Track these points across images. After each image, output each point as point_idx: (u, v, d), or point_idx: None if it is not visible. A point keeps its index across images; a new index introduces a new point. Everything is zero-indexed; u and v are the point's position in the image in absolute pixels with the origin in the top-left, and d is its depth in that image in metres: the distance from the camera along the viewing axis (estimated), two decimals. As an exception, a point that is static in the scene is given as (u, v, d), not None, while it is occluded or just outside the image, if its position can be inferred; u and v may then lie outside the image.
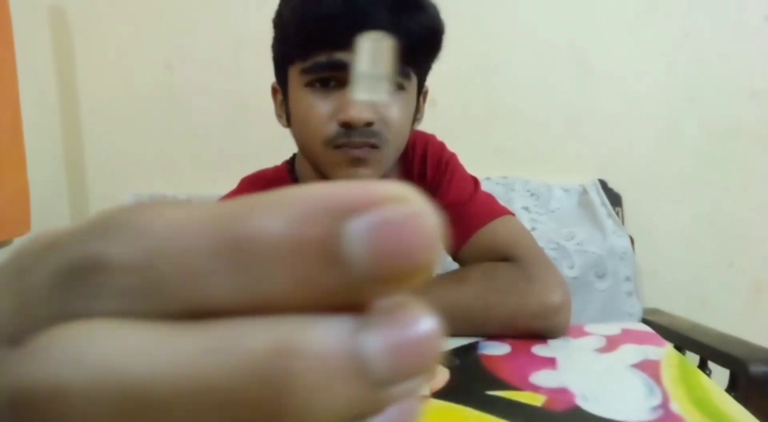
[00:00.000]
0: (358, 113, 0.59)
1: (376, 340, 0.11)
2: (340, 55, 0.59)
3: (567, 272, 1.27)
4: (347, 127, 0.60)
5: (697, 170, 1.45)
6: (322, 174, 0.66)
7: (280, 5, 0.65)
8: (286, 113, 0.69)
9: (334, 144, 0.62)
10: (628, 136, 1.44)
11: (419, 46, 0.62)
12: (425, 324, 0.11)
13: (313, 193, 0.11)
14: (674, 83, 1.43)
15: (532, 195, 1.38)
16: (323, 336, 0.10)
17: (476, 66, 1.39)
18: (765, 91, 1.42)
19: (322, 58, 0.60)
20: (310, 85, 0.62)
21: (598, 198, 1.37)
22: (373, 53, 0.34)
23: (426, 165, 0.76)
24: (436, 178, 0.75)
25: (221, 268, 0.10)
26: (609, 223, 1.33)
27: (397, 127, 0.64)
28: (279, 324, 0.11)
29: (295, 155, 0.79)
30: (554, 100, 1.42)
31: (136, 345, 0.10)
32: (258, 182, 0.76)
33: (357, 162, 0.62)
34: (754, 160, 1.44)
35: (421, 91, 0.70)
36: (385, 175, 0.69)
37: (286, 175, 0.76)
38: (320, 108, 0.62)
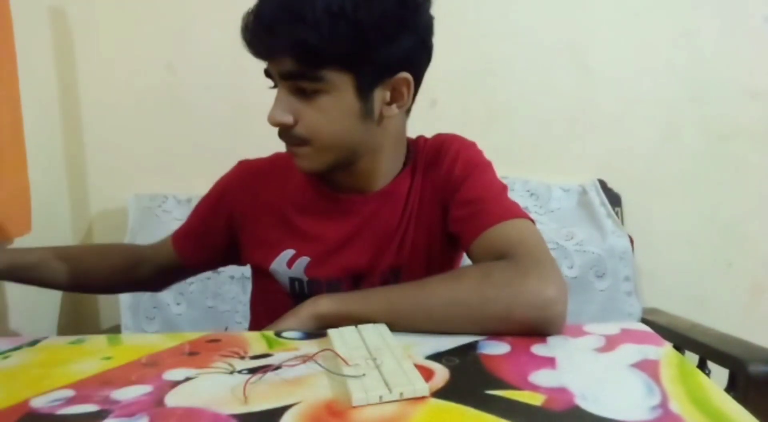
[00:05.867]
0: (272, 117, 0.70)
1: None
2: (268, 64, 0.71)
3: (567, 272, 1.27)
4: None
5: (696, 170, 1.45)
6: None
7: None
8: None
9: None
10: (627, 136, 1.44)
11: (326, 45, 0.66)
12: None
13: None
14: (674, 83, 1.43)
15: (531, 195, 1.39)
16: None
17: (476, 66, 1.39)
18: (765, 91, 1.42)
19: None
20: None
21: (597, 198, 1.38)
22: None
23: (456, 163, 0.79)
24: (464, 174, 0.77)
25: None
26: (608, 223, 1.33)
27: (319, 127, 0.71)
28: None
29: None
30: (554, 100, 1.42)
31: None
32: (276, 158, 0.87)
33: (293, 156, 0.74)
34: (753, 160, 1.45)
35: (370, 86, 0.71)
36: (347, 162, 0.75)
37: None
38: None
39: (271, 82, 0.73)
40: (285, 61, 0.67)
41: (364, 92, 0.71)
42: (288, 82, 0.69)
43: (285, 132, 0.71)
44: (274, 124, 0.70)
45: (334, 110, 0.70)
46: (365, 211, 0.79)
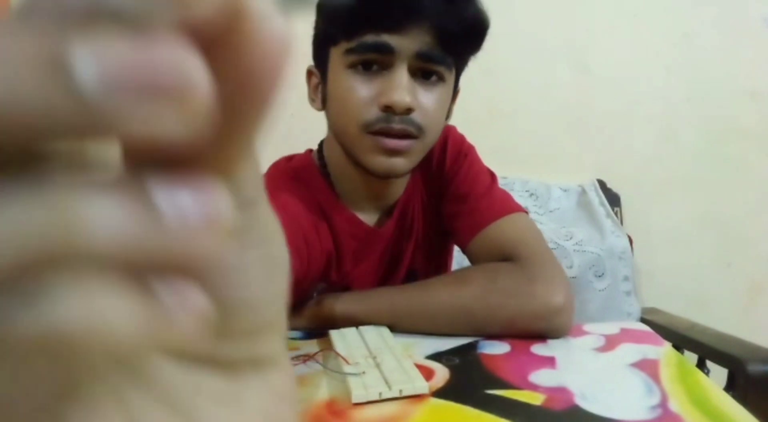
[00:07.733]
0: (401, 97, 0.59)
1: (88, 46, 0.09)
2: (387, 38, 0.59)
3: (566, 272, 1.27)
4: (388, 111, 0.60)
5: (695, 170, 1.45)
6: (354, 159, 0.65)
7: None
8: (322, 95, 0.67)
9: (371, 129, 0.61)
10: (626, 136, 1.44)
11: (466, 37, 0.63)
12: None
13: None
14: (673, 83, 1.43)
15: (531, 195, 1.39)
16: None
17: (476, 66, 1.38)
18: (765, 91, 1.43)
19: (369, 39, 0.59)
20: (352, 66, 0.61)
21: (596, 198, 1.38)
22: None
23: (446, 154, 0.76)
24: (455, 167, 0.75)
25: None
26: (608, 223, 1.33)
27: (434, 118, 0.64)
28: None
29: (321, 143, 0.78)
30: (553, 100, 1.42)
31: None
32: (288, 174, 0.72)
33: (393, 152, 0.62)
34: (752, 160, 1.45)
35: (455, 88, 0.71)
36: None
37: (313, 162, 0.75)
38: (361, 91, 0.61)
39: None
40: (423, 39, 0.59)
41: (454, 93, 0.69)
42: (417, 63, 0.60)
43: (401, 120, 0.60)
44: (403, 107, 0.59)
45: (444, 102, 0.65)
46: (392, 235, 0.76)
